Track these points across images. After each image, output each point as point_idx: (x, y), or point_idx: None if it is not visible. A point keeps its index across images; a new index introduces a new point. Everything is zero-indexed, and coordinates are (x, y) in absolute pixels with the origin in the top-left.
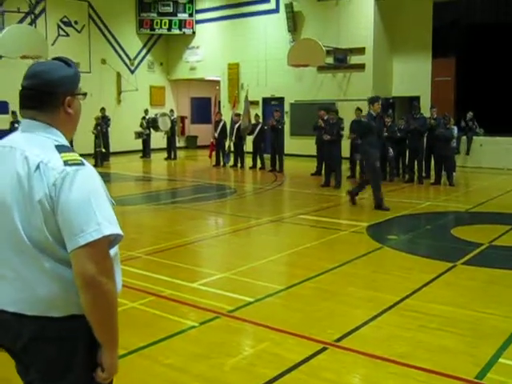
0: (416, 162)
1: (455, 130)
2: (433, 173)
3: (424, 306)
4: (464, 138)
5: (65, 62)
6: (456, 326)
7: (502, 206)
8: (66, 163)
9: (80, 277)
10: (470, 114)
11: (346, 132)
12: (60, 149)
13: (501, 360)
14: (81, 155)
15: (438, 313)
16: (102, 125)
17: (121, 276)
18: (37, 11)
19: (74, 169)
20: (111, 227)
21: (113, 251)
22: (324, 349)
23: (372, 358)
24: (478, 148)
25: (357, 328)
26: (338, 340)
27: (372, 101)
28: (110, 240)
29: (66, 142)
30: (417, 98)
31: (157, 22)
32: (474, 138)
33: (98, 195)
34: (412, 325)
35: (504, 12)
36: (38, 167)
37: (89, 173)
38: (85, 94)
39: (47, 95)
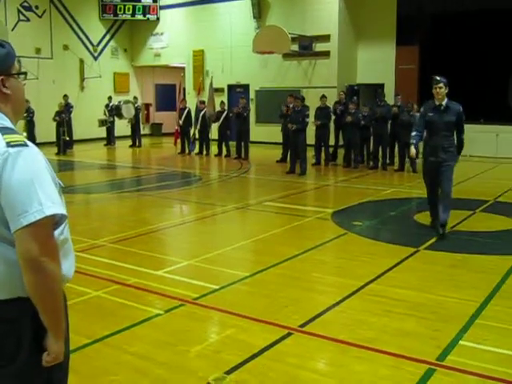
0: (380, 149)
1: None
2: (397, 159)
3: (388, 290)
4: None
5: None
6: (419, 309)
7: (463, 192)
8: (8, 144)
9: (23, 257)
10: None
11: (311, 119)
12: (3, 131)
13: (461, 342)
14: (43, 143)
15: (401, 297)
16: (65, 112)
17: (73, 262)
18: None
19: (17, 150)
20: (54, 207)
21: (62, 235)
22: (289, 334)
23: (337, 343)
24: None
25: (322, 313)
26: (303, 325)
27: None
28: (54, 220)
29: (9, 124)
30: (381, 86)
31: (120, 8)
32: None
33: (41, 176)
34: (376, 309)
35: (467, 1)
36: None
37: (32, 153)
38: (24, 74)
39: None
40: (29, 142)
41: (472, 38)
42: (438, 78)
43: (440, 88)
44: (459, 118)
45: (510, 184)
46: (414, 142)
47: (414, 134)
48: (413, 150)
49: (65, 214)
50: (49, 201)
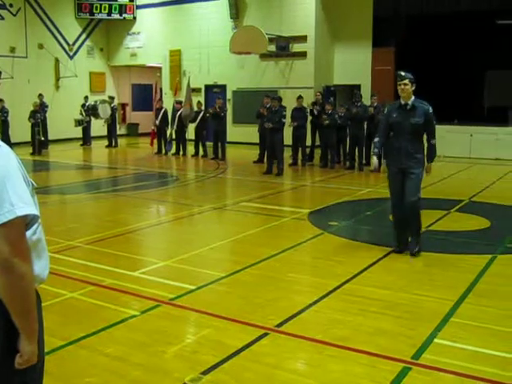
0: (357, 150)
1: None
2: None
3: (363, 290)
4: None
5: None
6: (394, 308)
7: (438, 192)
8: None
9: None
10: None
11: (288, 120)
12: None
13: (436, 340)
14: (18, 143)
15: (377, 296)
16: (40, 112)
17: (48, 263)
18: None
19: None
20: (26, 208)
21: (35, 235)
22: (265, 334)
23: (313, 342)
24: None
25: (298, 313)
26: (279, 325)
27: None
28: (26, 221)
29: None
30: (357, 87)
31: (96, 7)
32: None
33: (13, 175)
34: (352, 309)
35: (442, 4)
36: None
37: (3, 153)
38: None
39: None
40: (0, 142)
41: (447, 39)
42: (402, 74)
43: (405, 85)
44: (428, 120)
45: (484, 184)
46: (376, 150)
47: (376, 140)
48: (374, 160)
49: (37, 214)
50: (20, 201)
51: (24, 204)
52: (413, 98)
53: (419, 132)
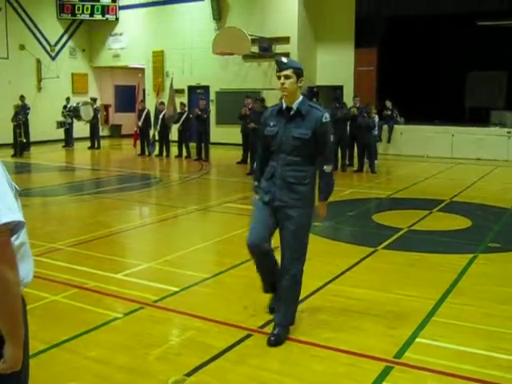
0: (339, 150)
1: (376, 118)
2: (356, 160)
3: (346, 290)
4: (385, 126)
5: None
6: (376, 308)
7: (420, 192)
8: None
9: None
10: (388, 103)
11: None
12: None
13: (417, 339)
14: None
15: (359, 296)
16: (21, 113)
17: (32, 266)
18: None
19: None
20: (11, 214)
21: (18, 240)
22: (249, 335)
23: (296, 343)
24: (398, 136)
25: None
26: (263, 326)
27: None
28: (10, 228)
29: None
30: (340, 88)
31: (78, 8)
32: (395, 126)
33: None
34: (335, 309)
35: (423, 5)
36: None
37: None
38: None
39: None
40: None
41: (429, 40)
42: (283, 60)
43: (286, 77)
44: (320, 133)
45: (465, 184)
46: (255, 184)
47: (254, 165)
48: (253, 200)
49: (22, 220)
50: (5, 207)
51: (9, 210)
52: (300, 98)
53: (306, 151)
